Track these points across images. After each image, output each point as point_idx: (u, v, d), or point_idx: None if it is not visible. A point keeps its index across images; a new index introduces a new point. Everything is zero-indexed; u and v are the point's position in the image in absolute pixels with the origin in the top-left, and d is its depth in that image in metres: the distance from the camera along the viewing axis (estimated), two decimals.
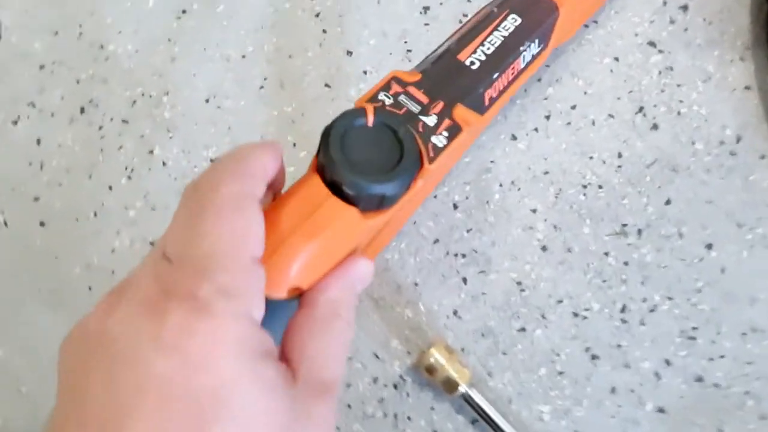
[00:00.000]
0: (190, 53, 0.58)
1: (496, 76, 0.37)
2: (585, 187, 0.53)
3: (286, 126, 0.56)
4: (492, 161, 0.54)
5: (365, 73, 0.57)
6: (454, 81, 0.36)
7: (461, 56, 0.37)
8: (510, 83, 0.39)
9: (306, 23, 0.58)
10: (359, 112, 0.31)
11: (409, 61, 0.57)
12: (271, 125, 0.56)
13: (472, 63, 0.37)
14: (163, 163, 0.56)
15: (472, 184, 0.54)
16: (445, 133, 0.33)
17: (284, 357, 0.26)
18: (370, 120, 0.31)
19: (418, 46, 0.57)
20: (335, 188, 0.29)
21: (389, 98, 0.33)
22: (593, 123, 0.55)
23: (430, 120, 0.33)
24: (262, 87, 0.57)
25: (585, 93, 0.55)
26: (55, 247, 0.55)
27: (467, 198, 0.53)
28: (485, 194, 0.53)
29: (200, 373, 0.20)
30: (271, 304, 0.25)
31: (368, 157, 0.29)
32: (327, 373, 0.25)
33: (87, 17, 0.59)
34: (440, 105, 0.34)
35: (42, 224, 0.55)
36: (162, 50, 0.58)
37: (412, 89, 0.34)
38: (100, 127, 0.57)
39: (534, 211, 0.53)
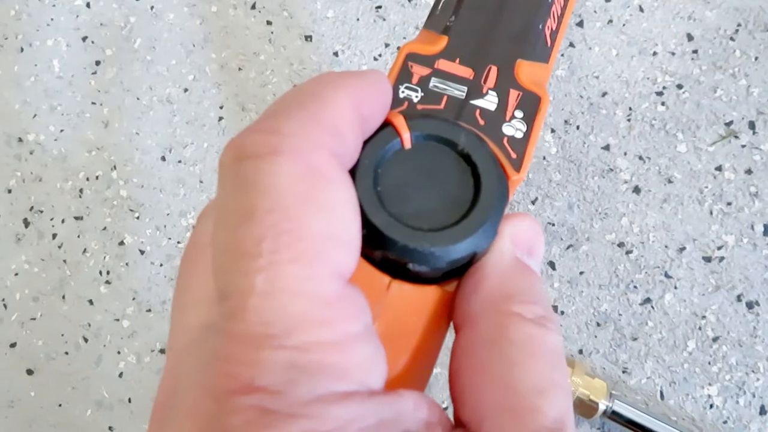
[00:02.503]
0: (123, 109, 0.46)
1: None
2: (660, 93, 0.41)
3: None
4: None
5: (336, 54, 0.44)
6: (498, 27, 0.23)
7: None
8: (566, 1, 0.26)
9: (244, 21, 0.46)
10: (385, 133, 0.19)
11: (383, 20, 0.45)
12: None
13: None
14: (141, 252, 0.45)
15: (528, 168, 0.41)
16: (519, 114, 0.21)
17: (460, 422, 0.16)
18: (407, 140, 0.19)
19: None
20: (394, 267, 0.18)
21: (416, 91, 0.22)
22: (641, 9, 0.42)
23: (489, 101, 0.21)
24: (221, 118, 0.45)
25: None
26: (53, 394, 0.45)
27: None
28: (537, 149, 0.41)
29: None
30: None
31: (427, 202, 0.19)
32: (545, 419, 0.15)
33: None
34: (493, 72, 0.22)
35: (30, 372, 0.45)
36: (90, 118, 0.47)
37: (443, 64, 0.22)
38: (54, 236, 0.46)
39: (606, 147, 0.40)
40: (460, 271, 0.19)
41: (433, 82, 0.22)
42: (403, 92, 0.22)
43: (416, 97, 0.22)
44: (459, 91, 0.22)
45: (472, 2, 0.24)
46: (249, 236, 0.14)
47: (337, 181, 0.15)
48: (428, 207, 0.18)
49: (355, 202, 0.16)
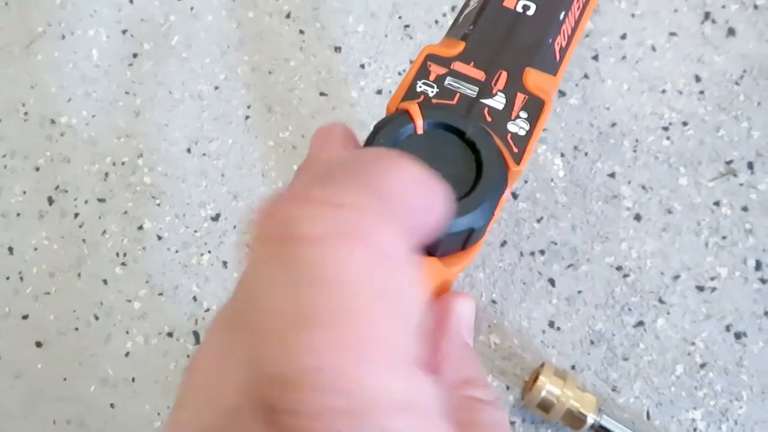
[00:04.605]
0: (155, 101, 0.49)
1: (562, 16, 0.27)
2: (666, 129, 0.43)
3: (288, 155, 0.46)
4: (544, 129, 0.44)
5: (362, 66, 0.47)
6: (511, 38, 0.25)
7: (507, 2, 0.27)
8: (578, 23, 0.29)
9: (278, 29, 0.49)
10: (400, 118, 0.22)
11: (410, 38, 0.47)
12: (269, 158, 0.47)
13: (526, 8, 0.27)
14: (158, 237, 0.47)
15: (528, 162, 0.44)
16: (524, 114, 0.23)
17: None
18: (419, 125, 0.22)
19: (415, 17, 0.47)
20: None
21: (432, 86, 0.24)
22: (653, 49, 0.44)
23: (497, 101, 0.23)
24: (247, 117, 0.48)
25: (633, 16, 0.45)
26: (59, 368, 0.47)
27: (526, 181, 0.43)
28: (546, 171, 0.43)
29: None
30: None
31: None
32: None
33: (27, 92, 0.51)
34: (503, 76, 0.24)
35: (39, 345, 0.47)
36: (122, 107, 0.49)
37: (459, 66, 0.25)
38: (76, 215, 0.48)
39: (612, 175, 0.43)
40: (457, 246, 0.21)
41: (448, 81, 0.25)
42: (420, 87, 0.25)
43: (432, 92, 0.24)
44: (471, 90, 0.24)
45: (489, 16, 0.27)
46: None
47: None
48: None
49: None
